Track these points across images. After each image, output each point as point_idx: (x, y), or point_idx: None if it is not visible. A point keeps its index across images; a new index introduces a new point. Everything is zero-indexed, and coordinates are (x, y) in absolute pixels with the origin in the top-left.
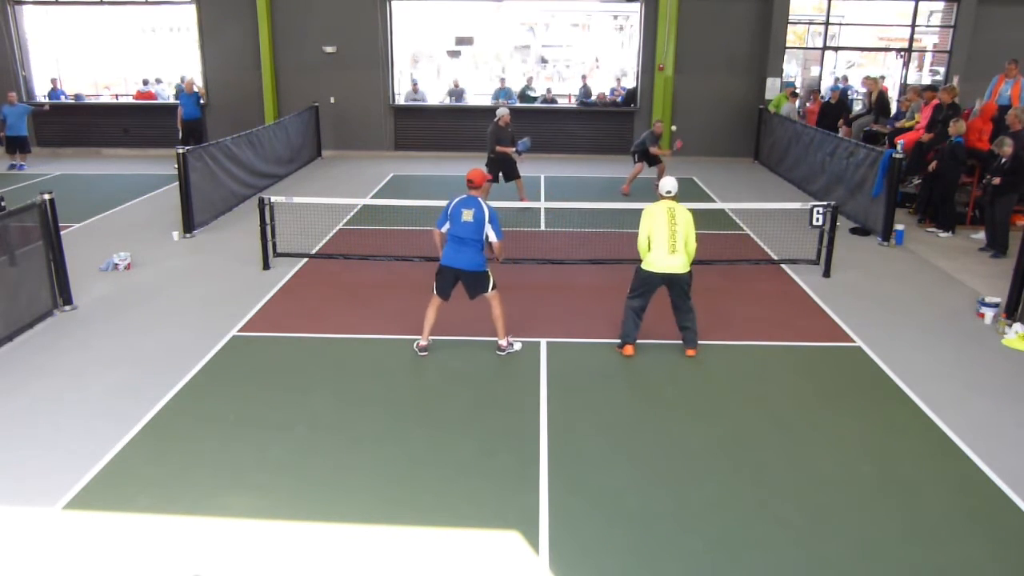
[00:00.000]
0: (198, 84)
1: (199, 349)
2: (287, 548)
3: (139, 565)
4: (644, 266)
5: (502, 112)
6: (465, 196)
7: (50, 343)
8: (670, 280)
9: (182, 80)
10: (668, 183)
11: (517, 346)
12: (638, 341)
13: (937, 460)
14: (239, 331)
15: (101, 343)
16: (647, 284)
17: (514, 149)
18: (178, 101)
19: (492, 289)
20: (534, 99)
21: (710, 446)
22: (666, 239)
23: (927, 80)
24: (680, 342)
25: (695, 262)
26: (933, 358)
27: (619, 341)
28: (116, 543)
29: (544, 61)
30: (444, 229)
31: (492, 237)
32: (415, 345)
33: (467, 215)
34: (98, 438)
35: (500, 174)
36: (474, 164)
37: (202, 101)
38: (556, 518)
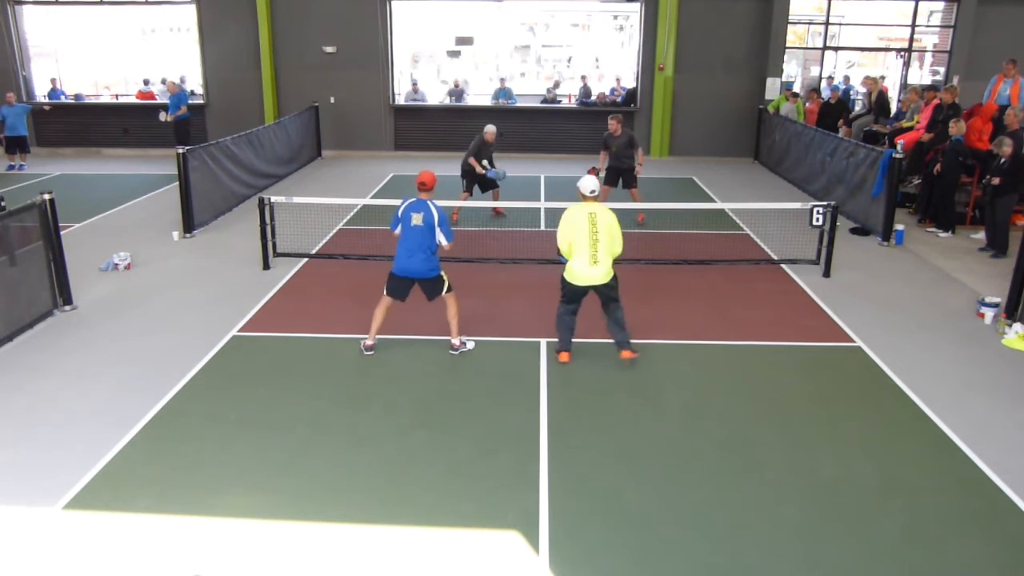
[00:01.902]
0: (186, 87)
1: (199, 349)
2: (287, 548)
3: (139, 565)
4: (567, 276)
5: (489, 129)
6: (415, 199)
7: (50, 343)
8: (595, 289)
9: (182, 80)
10: (589, 183)
11: (470, 345)
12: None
13: (937, 460)
14: (239, 331)
15: (101, 343)
16: (574, 294)
17: (484, 170)
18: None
19: (447, 291)
20: (559, 102)
21: (710, 446)
22: (587, 249)
23: (927, 80)
24: (680, 341)
25: (699, 262)
26: (933, 358)
27: (557, 347)
28: (116, 543)
29: (571, 60)
30: (397, 231)
31: (443, 241)
32: (361, 344)
33: (416, 219)
34: (98, 438)
35: (475, 186)
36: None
37: (189, 101)
38: (556, 518)
